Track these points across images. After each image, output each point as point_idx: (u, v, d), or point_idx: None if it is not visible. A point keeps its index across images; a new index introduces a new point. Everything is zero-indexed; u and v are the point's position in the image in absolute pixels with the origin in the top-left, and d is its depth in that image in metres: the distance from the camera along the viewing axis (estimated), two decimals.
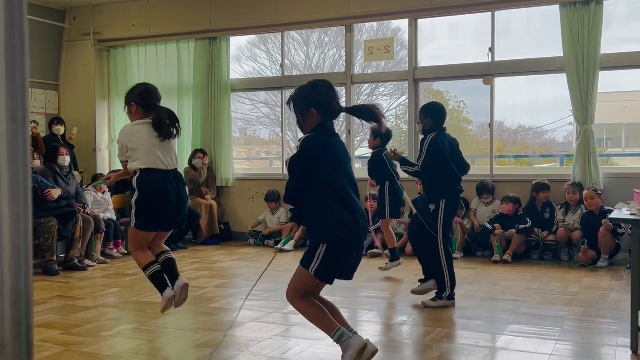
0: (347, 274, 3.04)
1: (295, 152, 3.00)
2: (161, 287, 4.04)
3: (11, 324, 0.75)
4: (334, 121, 3.08)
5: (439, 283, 4.87)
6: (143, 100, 4.03)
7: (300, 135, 3.13)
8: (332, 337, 2.98)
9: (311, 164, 2.89)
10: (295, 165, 2.93)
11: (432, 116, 4.98)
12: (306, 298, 2.98)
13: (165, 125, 3.99)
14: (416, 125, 5.45)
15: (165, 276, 4.08)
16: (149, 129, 3.97)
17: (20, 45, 0.76)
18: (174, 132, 4.06)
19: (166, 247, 4.24)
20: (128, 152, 3.99)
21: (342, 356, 2.96)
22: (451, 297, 4.86)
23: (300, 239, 7.91)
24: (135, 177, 3.97)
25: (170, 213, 4.02)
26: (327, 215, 2.86)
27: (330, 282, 2.99)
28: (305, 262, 2.91)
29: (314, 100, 2.94)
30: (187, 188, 8.19)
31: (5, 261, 0.75)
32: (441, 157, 4.83)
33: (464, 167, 5.12)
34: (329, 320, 2.97)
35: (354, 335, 2.99)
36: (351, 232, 2.87)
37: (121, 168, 4.39)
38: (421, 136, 5.06)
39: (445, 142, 4.92)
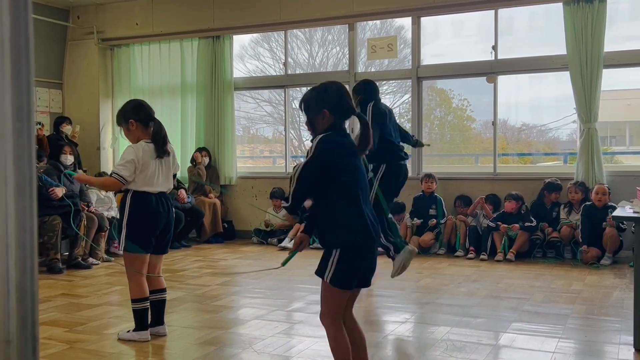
0: (365, 281, 2.92)
1: (310, 153, 2.84)
2: (141, 325, 3.97)
3: (17, 320, 0.76)
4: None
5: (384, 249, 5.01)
6: (140, 115, 3.95)
7: (305, 134, 3.06)
8: None
9: (327, 166, 2.77)
10: (310, 169, 2.76)
11: (361, 94, 5.44)
12: (340, 327, 2.82)
13: (162, 141, 3.94)
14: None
15: (150, 313, 4.04)
16: (153, 150, 3.92)
17: (25, 44, 0.77)
18: (166, 152, 3.98)
19: (164, 285, 4.13)
20: (136, 172, 3.85)
21: None
22: (397, 249, 4.97)
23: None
24: (128, 197, 3.88)
25: (158, 234, 3.95)
26: (341, 219, 2.76)
27: (349, 288, 2.85)
28: (319, 272, 2.80)
29: (326, 101, 2.87)
30: (184, 189, 8.24)
31: (11, 258, 0.76)
32: (382, 122, 5.16)
33: (405, 135, 5.68)
34: None
35: None
36: (365, 235, 2.78)
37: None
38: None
39: (381, 111, 5.35)
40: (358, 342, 2.89)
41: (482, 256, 6.98)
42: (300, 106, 2.95)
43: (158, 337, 4.04)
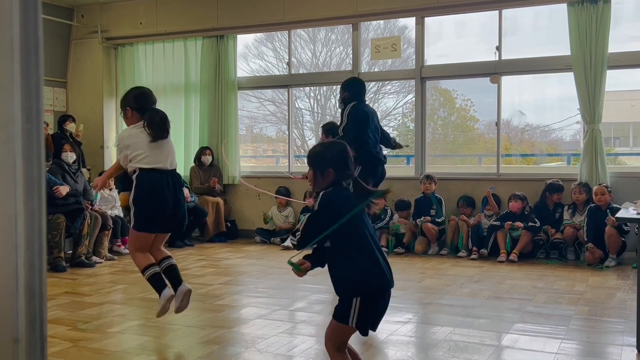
0: (374, 324, 2.96)
1: (315, 208, 2.93)
2: (160, 288, 4.05)
3: (26, 319, 0.77)
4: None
5: None
6: (138, 105, 4.05)
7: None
8: None
9: (332, 219, 2.82)
10: (315, 222, 2.82)
11: (348, 90, 5.53)
12: (342, 351, 2.91)
13: (156, 126, 4.00)
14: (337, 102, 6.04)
15: (168, 282, 4.11)
16: (145, 131, 4.00)
17: (35, 46, 0.78)
18: (165, 134, 4.05)
19: (168, 253, 4.24)
20: (129, 156, 3.99)
21: None
22: None
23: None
24: (135, 176, 3.99)
25: (168, 214, 4.04)
26: (356, 269, 2.81)
27: (366, 334, 2.95)
28: (342, 318, 2.85)
29: (331, 161, 2.94)
30: (187, 188, 8.27)
31: (20, 258, 0.77)
32: (360, 123, 5.29)
33: (385, 137, 5.71)
34: None
35: None
36: (379, 280, 2.84)
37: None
38: (341, 109, 5.59)
39: (361, 111, 5.40)
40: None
41: (481, 251, 7.01)
42: (308, 158, 3.03)
43: (162, 337, 4.05)
